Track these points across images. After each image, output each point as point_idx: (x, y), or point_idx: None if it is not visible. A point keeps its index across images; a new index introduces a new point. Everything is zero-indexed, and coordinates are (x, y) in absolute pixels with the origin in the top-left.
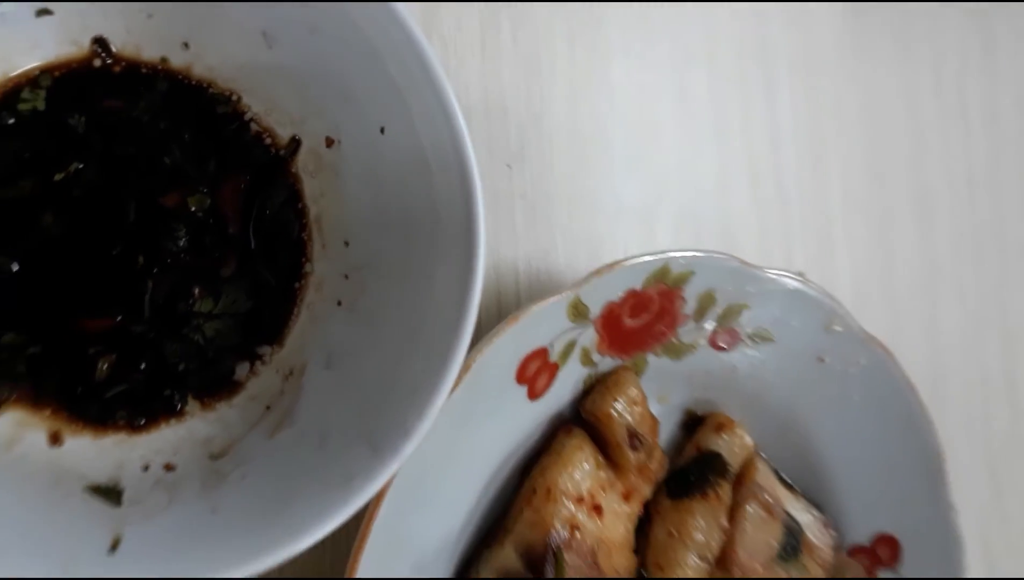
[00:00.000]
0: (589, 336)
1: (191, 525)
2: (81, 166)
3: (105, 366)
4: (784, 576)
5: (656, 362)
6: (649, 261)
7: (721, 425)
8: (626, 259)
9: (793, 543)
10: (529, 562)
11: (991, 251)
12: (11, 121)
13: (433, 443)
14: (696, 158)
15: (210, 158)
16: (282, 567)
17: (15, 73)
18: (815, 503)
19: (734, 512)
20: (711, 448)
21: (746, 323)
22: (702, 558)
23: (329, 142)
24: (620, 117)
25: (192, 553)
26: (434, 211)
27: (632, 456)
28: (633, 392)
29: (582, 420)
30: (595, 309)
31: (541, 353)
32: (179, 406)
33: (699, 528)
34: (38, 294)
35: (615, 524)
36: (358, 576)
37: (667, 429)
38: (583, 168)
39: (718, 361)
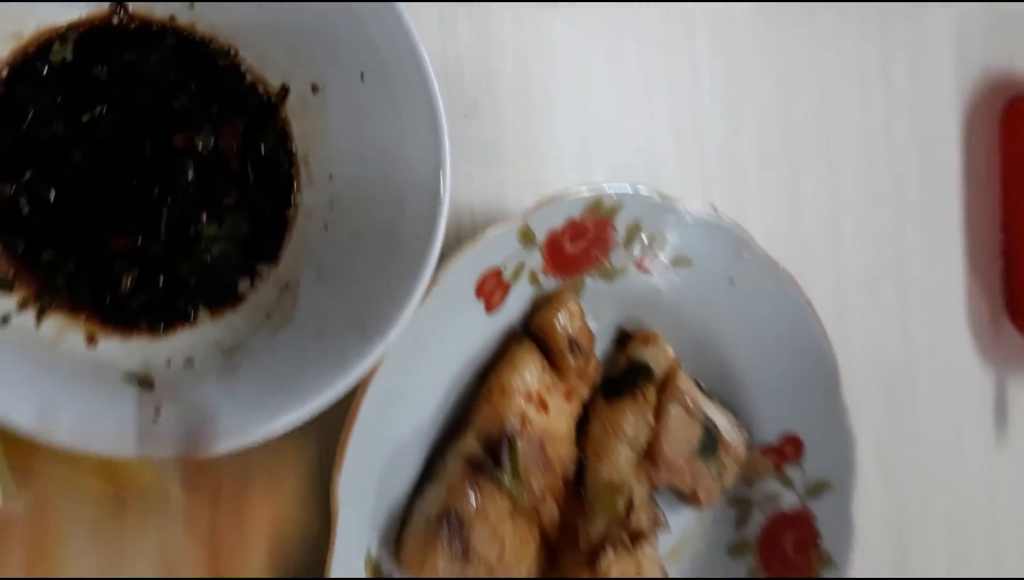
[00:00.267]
0: (536, 259)
1: (214, 402)
2: (104, 110)
3: (128, 281)
4: (704, 470)
5: (592, 284)
6: (585, 194)
7: (647, 339)
8: (566, 191)
9: (711, 441)
10: (488, 448)
11: (888, 197)
12: (45, 71)
13: (405, 348)
14: (627, 113)
15: (212, 104)
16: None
17: (45, 28)
18: (729, 408)
19: (659, 412)
20: (639, 358)
21: (668, 250)
22: (632, 448)
23: (314, 89)
24: (561, 76)
25: (218, 421)
26: (406, 148)
27: (572, 361)
28: (573, 307)
29: (530, 333)
30: (540, 235)
31: (496, 273)
32: (192, 315)
33: (629, 423)
34: (72, 219)
35: (559, 419)
36: (346, 459)
37: (603, 344)
38: (530, 120)
39: (644, 283)
